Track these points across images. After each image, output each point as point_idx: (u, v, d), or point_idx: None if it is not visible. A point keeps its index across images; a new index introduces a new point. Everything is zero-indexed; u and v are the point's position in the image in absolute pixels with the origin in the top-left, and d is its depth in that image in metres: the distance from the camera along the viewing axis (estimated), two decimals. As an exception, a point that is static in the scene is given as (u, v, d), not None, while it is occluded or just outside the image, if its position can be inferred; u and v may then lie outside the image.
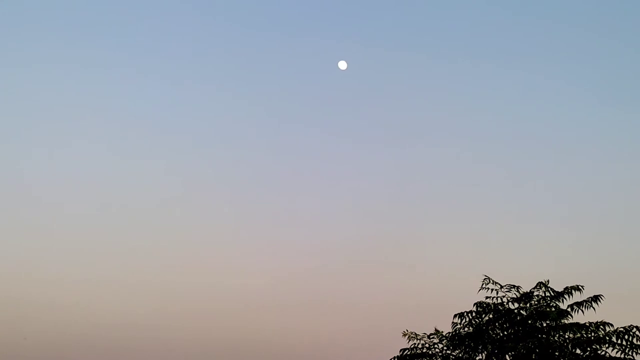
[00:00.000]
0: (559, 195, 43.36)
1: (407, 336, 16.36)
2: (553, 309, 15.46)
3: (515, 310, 15.80)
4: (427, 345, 16.28)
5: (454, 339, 15.99)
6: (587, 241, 39.18)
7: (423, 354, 16.17)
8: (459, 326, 16.06)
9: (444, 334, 16.39)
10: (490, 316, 15.81)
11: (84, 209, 43.13)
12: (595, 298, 15.30)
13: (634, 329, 14.60)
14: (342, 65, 41.90)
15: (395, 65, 46.88)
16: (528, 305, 15.83)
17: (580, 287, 15.53)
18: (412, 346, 16.24)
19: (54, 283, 38.43)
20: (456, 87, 47.06)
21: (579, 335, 15.09)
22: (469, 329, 15.95)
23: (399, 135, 47.51)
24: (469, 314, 15.93)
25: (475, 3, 46.04)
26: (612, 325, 14.92)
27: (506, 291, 15.92)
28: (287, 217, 44.96)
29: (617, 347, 14.69)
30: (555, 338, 15.28)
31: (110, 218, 43.04)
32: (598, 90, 45.17)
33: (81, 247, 40.96)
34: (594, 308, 15.30)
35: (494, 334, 15.78)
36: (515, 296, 15.94)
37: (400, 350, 16.24)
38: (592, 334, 15.00)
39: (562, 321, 15.46)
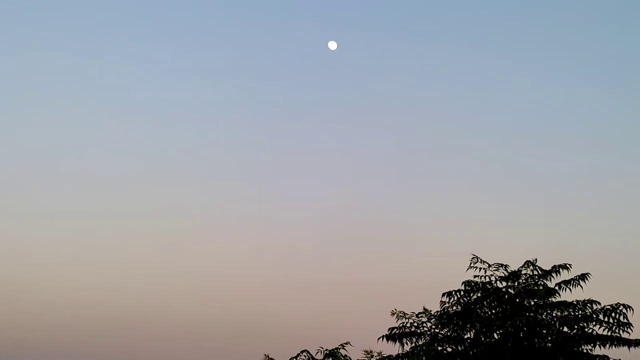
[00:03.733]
0: (549, 176, 43.53)
1: (395, 315, 16.36)
2: (541, 288, 15.47)
3: (503, 289, 15.79)
4: (415, 324, 16.30)
5: (442, 318, 15.99)
6: (575, 221, 39.41)
7: (411, 333, 16.18)
8: (447, 305, 16.03)
9: (432, 312, 16.39)
10: (479, 295, 15.79)
11: (82, 197, 43.08)
12: (583, 276, 15.33)
13: (621, 307, 14.68)
14: (332, 45, 41.52)
15: (385, 45, 46.55)
16: (516, 283, 15.83)
17: (567, 265, 15.56)
18: (400, 325, 16.25)
19: (52, 265, 38.60)
20: (447, 69, 46.86)
21: (566, 313, 15.16)
22: (457, 308, 15.93)
23: (391, 116, 47.33)
24: (457, 293, 15.88)
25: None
26: (599, 303, 15.00)
27: (494, 270, 15.90)
28: (280, 198, 44.87)
29: (604, 324, 14.78)
30: (543, 316, 15.33)
31: (107, 203, 43.01)
32: (584, 75, 45.20)
33: (79, 233, 41.06)
34: (581, 286, 15.34)
35: (482, 312, 15.79)
36: (503, 275, 15.93)
37: (389, 329, 16.25)
38: (580, 312, 15.07)
39: (550, 299, 15.48)
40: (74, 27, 45.53)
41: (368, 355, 17.39)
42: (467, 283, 15.88)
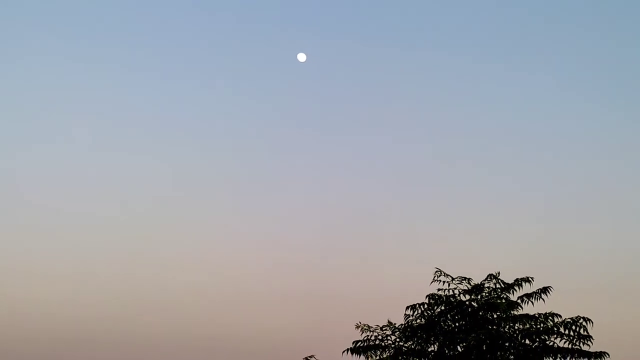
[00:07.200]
0: (514, 190, 44.05)
1: (360, 328, 16.35)
2: (503, 301, 15.65)
3: (467, 302, 15.93)
4: (380, 337, 16.31)
5: (407, 331, 16.05)
6: (539, 234, 39.93)
7: (376, 346, 16.18)
8: (411, 318, 16.12)
9: (396, 325, 16.43)
10: (442, 308, 15.91)
11: (77, 206, 42.22)
12: (544, 290, 15.55)
13: (581, 320, 14.92)
14: (301, 57, 41.63)
15: (355, 56, 46.83)
16: (479, 297, 15.99)
17: (530, 279, 15.77)
18: (365, 338, 16.25)
19: (45, 280, 37.80)
20: (421, 76, 47.07)
21: (528, 326, 15.34)
22: (421, 321, 16.03)
23: (362, 128, 47.52)
24: (421, 306, 16.01)
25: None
26: (560, 316, 15.23)
27: (457, 283, 16.05)
28: (259, 212, 44.58)
29: (565, 337, 15.00)
30: (505, 329, 15.48)
31: (102, 214, 42.22)
32: (573, 86, 45.88)
33: (73, 244, 40.29)
34: (543, 299, 15.56)
35: (445, 325, 15.90)
36: (466, 288, 16.08)
37: (353, 342, 16.22)
38: (541, 325, 15.27)
39: (512, 312, 15.68)
40: (57, 28, 44.83)
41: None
42: (431, 296, 15.99)
